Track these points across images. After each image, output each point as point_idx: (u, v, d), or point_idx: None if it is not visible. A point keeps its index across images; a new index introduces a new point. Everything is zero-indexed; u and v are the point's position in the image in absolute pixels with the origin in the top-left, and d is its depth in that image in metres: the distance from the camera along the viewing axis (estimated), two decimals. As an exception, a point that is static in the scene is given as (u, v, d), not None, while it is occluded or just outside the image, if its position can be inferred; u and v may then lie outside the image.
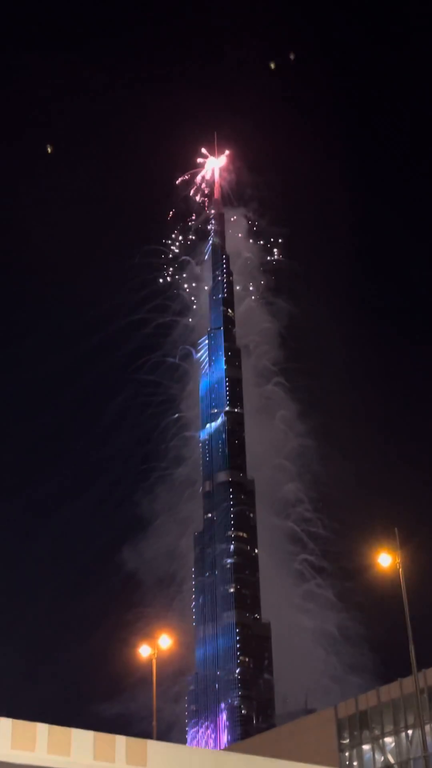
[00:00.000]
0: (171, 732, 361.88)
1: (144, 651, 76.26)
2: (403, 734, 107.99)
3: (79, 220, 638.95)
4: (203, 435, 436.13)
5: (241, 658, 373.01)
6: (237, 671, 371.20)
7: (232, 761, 58.00)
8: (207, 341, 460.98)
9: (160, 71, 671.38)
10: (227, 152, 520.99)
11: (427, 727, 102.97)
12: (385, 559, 62.82)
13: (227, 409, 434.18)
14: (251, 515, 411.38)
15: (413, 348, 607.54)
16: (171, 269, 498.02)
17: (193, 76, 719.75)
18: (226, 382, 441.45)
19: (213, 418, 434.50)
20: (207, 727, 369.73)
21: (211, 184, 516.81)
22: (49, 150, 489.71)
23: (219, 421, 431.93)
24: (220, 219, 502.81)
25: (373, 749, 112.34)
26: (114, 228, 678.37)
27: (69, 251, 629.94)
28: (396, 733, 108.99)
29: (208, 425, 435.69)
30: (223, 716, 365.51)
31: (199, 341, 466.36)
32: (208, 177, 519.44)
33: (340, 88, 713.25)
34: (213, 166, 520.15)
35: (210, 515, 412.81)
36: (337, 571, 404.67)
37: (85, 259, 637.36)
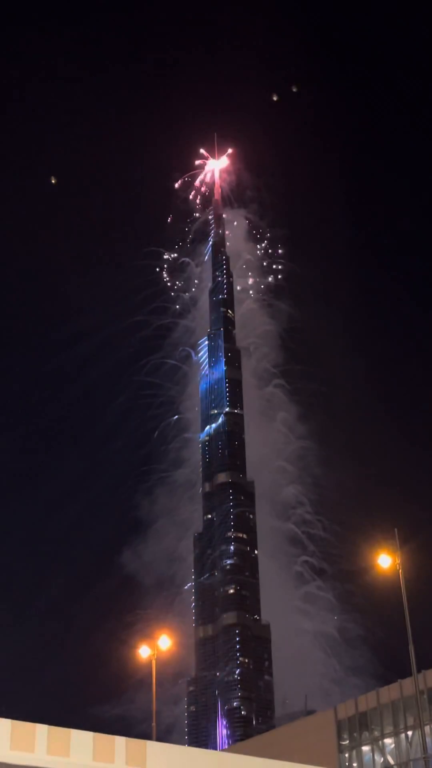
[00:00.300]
0: (171, 733, 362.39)
1: (144, 652, 76.21)
2: (403, 735, 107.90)
3: (79, 221, 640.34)
4: (203, 436, 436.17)
5: (240, 659, 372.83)
6: (237, 672, 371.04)
7: (231, 762, 57.95)
8: (207, 342, 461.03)
9: (161, 72, 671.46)
10: (227, 154, 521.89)
11: (427, 729, 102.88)
12: (385, 560, 62.79)
13: (227, 410, 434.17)
14: (251, 516, 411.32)
15: (413, 350, 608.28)
16: (171, 271, 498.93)
17: (193, 77, 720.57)
18: (226, 383, 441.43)
19: (213, 419, 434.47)
20: (206, 729, 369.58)
21: (211, 186, 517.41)
22: (54, 181, 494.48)
23: (219, 422, 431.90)
24: (220, 220, 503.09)
25: (372, 750, 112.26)
26: (114, 230, 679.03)
27: (69, 252, 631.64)
28: (396, 734, 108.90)
29: (207, 426, 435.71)
30: (223, 717, 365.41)
31: (199, 342, 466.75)
32: (208, 178, 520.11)
33: (340, 89, 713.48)
34: (213, 167, 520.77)
35: (210, 516, 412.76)
36: (337, 573, 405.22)
37: (85, 261, 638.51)
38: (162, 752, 51.51)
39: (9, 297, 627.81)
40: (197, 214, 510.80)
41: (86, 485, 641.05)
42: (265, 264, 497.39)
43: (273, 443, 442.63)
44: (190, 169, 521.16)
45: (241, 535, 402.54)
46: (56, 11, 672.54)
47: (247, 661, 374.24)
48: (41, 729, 46.50)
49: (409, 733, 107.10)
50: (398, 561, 62.40)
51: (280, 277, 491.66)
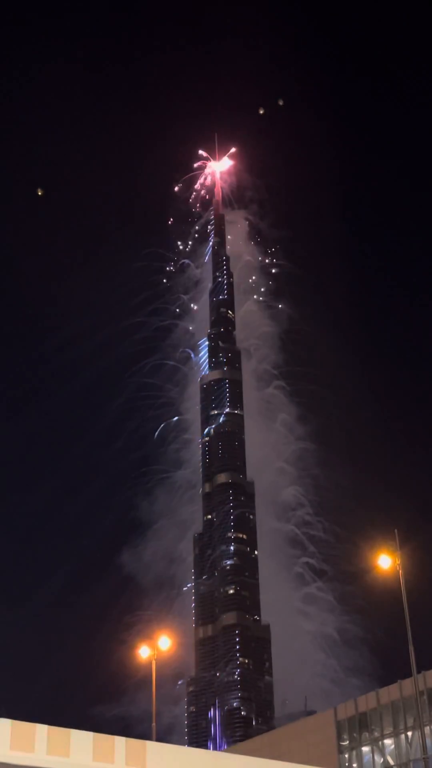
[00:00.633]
0: (171, 734, 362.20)
1: (143, 652, 76.13)
2: (403, 736, 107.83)
3: (80, 222, 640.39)
4: (203, 437, 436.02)
5: (240, 659, 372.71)
6: (236, 673, 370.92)
7: (231, 763, 57.97)
8: (207, 342, 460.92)
9: (162, 73, 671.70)
10: (228, 155, 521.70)
11: (427, 729, 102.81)
12: (385, 561, 62.78)
13: (227, 410, 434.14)
14: (251, 517, 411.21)
15: (413, 352, 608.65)
16: (171, 272, 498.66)
17: (194, 78, 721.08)
18: (226, 383, 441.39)
19: (213, 419, 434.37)
20: (206, 729, 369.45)
21: (211, 187, 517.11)
22: (39, 192, 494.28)
23: (219, 422, 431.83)
24: (221, 221, 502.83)
25: (372, 751, 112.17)
26: (115, 231, 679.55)
27: (70, 253, 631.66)
28: (395, 735, 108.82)
29: (207, 427, 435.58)
30: (223, 718, 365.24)
31: (200, 342, 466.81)
32: (208, 180, 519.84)
33: (341, 90, 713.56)
34: (213, 168, 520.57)
35: (210, 517, 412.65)
36: (337, 575, 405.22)
37: (86, 262, 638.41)
38: (162, 752, 51.52)
39: (9, 297, 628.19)
40: (198, 216, 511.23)
41: (86, 486, 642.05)
42: (265, 265, 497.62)
43: (273, 444, 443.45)
44: (190, 171, 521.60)
45: (240, 535, 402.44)
46: (55, 11, 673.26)
47: (246, 661, 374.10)
48: (41, 729, 46.51)
49: (409, 733, 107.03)
50: (398, 561, 62.40)
51: (280, 278, 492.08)
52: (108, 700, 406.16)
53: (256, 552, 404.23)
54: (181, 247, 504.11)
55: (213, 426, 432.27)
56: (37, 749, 45.71)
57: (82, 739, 47.75)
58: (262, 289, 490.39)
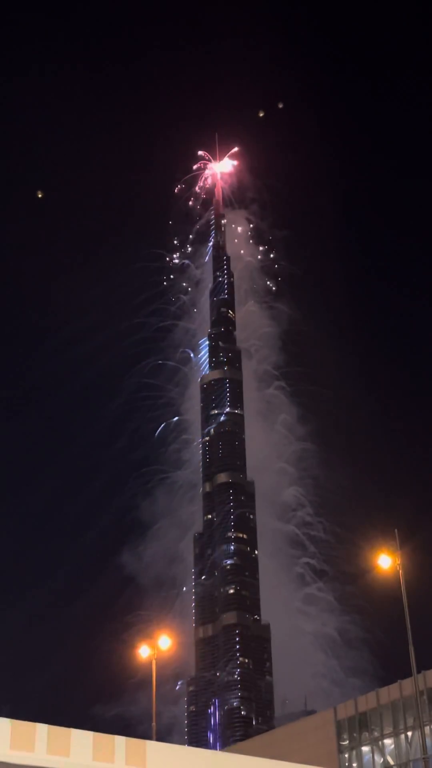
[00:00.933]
0: (171, 733, 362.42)
1: (144, 652, 76.10)
2: (403, 736, 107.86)
3: (80, 222, 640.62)
4: (203, 436, 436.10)
5: (240, 659, 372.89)
6: (236, 672, 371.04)
7: (231, 762, 57.96)
8: (207, 342, 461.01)
9: (163, 74, 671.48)
10: (229, 155, 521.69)
11: (427, 729, 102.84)
12: (385, 561, 62.81)
13: (227, 410, 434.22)
14: (251, 516, 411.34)
15: (413, 352, 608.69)
16: (172, 273, 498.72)
17: (194, 78, 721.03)
18: (226, 383, 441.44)
19: (213, 419, 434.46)
20: (206, 728, 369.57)
21: (212, 188, 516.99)
22: (39, 195, 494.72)
23: (219, 422, 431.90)
24: (221, 220, 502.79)
25: (372, 751, 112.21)
26: (115, 232, 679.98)
27: (70, 254, 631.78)
28: (395, 734, 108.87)
29: (208, 427, 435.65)
30: (223, 718, 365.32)
31: (200, 342, 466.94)
32: (209, 180, 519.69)
33: (342, 91, 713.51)
34: (214, 169, 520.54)
35: (210, 516, 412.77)
36: (338, 575, 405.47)
37: (86, 263, 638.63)
38: (162, 752, 51.52)
39: (9, 297, 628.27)
40: (198, 216, 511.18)
41: (86, 486, 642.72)
42: (265, 265, 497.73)
43: (274, 445, 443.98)
44: (190, 171, 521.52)
45: (241, 535, 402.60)
46: (55, 11, 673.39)
47: (247, 661, 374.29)
48: (41, 728, 46.49)
49: (409, 733, 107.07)
50: (398, 561, 62.42)
51: (280, 279, 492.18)
52: (108, 700, 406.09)
53: (256, 552, 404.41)
54: (181, 248, 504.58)
55: (213, 425, 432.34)
56: (37, 749, 45.70)
57: (82, 739, 47.73)
58: (263, 290, 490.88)
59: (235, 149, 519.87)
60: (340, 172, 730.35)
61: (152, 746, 51.04)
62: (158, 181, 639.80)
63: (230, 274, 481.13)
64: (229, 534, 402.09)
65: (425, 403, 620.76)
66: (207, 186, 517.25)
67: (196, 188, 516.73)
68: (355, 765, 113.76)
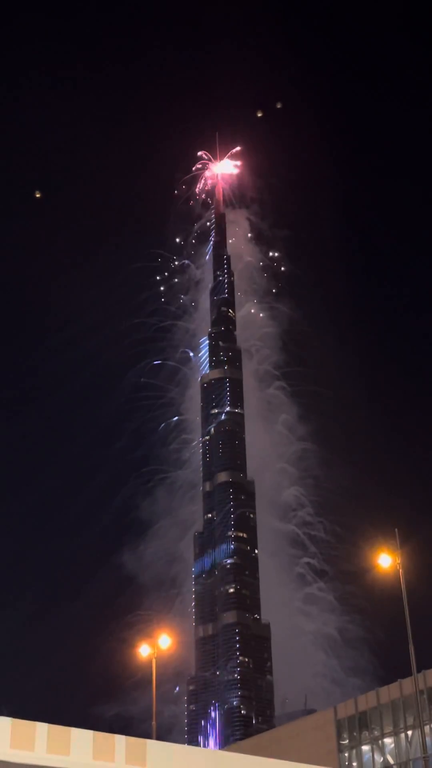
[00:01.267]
0: (171, 732, 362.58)
1: (144, 651, 76.10)
2: (403, 735, 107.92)
3: (80, 222, 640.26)
4: (203, 435, 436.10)
5: (240, 658, 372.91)
6: (237, 672, 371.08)
7: (231, 761, 57.95)
8: (207, 341, 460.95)
9: (163, 73, 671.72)
10: (229, 155, 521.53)
11: (427, 728, 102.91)
12: (386, 560, 62.83)
13: (228, 409, 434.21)
14: (251, 516, 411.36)
15: (413, 352, 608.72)
16: (172, 273, 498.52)
17: (195, 78, 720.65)
18: (226, 382, 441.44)
19: (213, 418, 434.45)
20: (206, 728, 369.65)
21: (212, 187, 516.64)
22: (36, 194, 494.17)
23: (219, 421, 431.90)
24: (222, 220, 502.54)
25: (372, 750, 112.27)
26: (116, 232, 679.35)
27: (71, 254, 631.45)
28: (395, 734, 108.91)
29: (208, 426, 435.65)
30: (223, 717, 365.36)
31: (201, 340, 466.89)
32: (209, 180, 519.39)
33: (342, 91, 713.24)
34: (214, 168, 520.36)
35: (210, 515, 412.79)
36: (338, 575, 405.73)
37: (86, 263, 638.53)
38: (162, 751, 51.51)
39: (9, 297, 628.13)
40: (198, 216, 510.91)
41: (87, 485, 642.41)
42: (265, 265, 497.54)
43: (274, 445, 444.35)
44: (191, 171, 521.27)
45: (241, 534, 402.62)
46: (55, 11, 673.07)
47: (247, 660, 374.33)
48: (41, 727, 46.49)
49: (409, 732, 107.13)
50: (398, 561, 62.45)
51: (280, 278, 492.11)
52: (108, 699, 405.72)
53: (256, 551, 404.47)
54: (181, 248, 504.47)
55: (213, 425, 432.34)
56: (37, 748, 45.70)
57: (82, 738, 47.73)
58: (263, 290, 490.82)
59: (236, 149, 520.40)
60: (341, 172, 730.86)
61: (152, 745, 51.04)
62: (158, 181, 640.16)
63: (230, 274, 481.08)
64: (230, 533, 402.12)
65: (425, 403, 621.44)
66: (207, 186, 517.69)
67: (197, 188, 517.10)
68: (355, 764, 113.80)
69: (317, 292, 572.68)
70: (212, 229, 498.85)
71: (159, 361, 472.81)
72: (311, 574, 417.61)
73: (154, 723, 74.13)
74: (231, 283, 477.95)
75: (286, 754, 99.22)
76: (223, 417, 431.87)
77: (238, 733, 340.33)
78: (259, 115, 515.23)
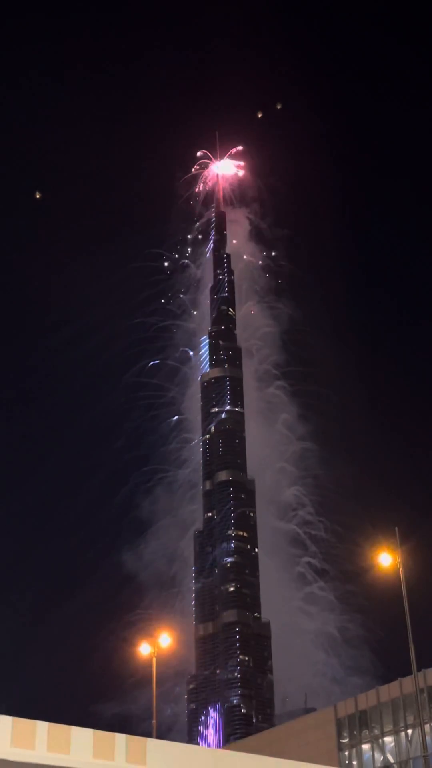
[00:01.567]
0: (171, 731, 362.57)
1: (144, 650, 76.16)
2: (403, 734, 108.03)
3: (80, 222, 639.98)
4: (203, 434, 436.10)
5: (241, 657, 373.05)
6: (237, 670, 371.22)
7: (231, 760, 58.09)
8: (208, 340, 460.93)
9: (163, 73, 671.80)
10: (229, 154, 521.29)
11: (427, 727, 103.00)
12: (386, 559, 62.89)
13: (228, 408, 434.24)
14: (251, 515, 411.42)
15: (414, 352, 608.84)
16: (172, 272, 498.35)
17: (195, 76, 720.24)
18: (226, 381, 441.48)
19: (213, 417, 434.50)
20: (207, 726, 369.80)
21: (212, 186, 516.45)
22: (37, 195, 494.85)
23: (219, 420, 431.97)
24: (222, 218, 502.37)
25: (372, 749, 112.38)
26: (115, 231, 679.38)
27: (70, 253, 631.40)
28: (395, 732, 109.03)
29: (208, 424, 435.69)
30: (223, 715, 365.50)
31: (201, 339, 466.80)
32: (209, 179, 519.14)
33: (342, 91, 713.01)
34: (215, 167, 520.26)
35: (210, 514, 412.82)
36: (338, 574, 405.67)
37: (86, 262, 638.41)
38: (162, 750, 51.65)
39: (9, 297, 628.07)
40: (198, 216, 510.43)
41: (86, 485, 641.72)
42: (266, 265, 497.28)
43: (274, 444, 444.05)
44: (190, 170, 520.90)
45: (241, 533, 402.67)
46: (55, 11, 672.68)
47: (247, 659, 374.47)
48: (42, 726, 46.63)
49: (409, 731, 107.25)
50: (398, 560, 62.49)
51: (280, 278, 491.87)
52: (108, 698, 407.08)
53: (256, 550, 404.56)
54: (181, 247, 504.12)
55: (214, 423, 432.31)
56: (38, 746, 45.83)
57: (82, 737, 47.87)
58: (263, 289, 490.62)
59: (236, 149, 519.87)
60: (341, 172, 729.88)
61: (152, 744, 51.18)
62: (158, 181, 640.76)
63: (230, 273, 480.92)
64: (230, 532, 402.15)
65: (425, 403, 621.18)
66: (207, 185, 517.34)
67: (197, 188, 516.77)
68: (355, 763, 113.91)
69: (317, 291, 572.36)
70: (212, 229, 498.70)
71: (159, 360, 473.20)
72: (311, 573, 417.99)
73: (154, 722, 74.29)
74: (231, 282, 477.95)
75: (287, 752, 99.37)
76: (223, 416, 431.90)
77: (238, 731, 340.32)
78: (260, 115, 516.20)
